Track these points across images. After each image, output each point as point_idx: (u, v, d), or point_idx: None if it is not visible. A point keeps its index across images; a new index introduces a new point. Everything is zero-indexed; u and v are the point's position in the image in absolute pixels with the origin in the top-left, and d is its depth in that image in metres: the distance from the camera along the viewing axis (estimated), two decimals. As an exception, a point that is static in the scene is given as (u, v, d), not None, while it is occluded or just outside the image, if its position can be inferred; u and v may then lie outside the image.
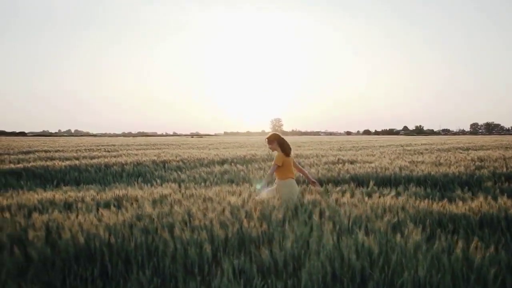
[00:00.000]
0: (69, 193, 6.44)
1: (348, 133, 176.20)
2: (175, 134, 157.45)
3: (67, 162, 11.53)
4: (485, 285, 3.06)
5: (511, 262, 3.34)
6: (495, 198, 5.50)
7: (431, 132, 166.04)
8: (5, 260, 3.42)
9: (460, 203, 5.30)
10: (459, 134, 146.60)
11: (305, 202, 5.34)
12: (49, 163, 11.26)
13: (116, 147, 20.88)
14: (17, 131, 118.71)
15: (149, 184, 8.23)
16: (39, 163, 11.35)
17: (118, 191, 6.39)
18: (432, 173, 8.42)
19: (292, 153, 5.88)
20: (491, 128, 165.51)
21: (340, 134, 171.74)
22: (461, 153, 14.65)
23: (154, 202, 5.51)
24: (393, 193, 6.53)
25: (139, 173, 10.22)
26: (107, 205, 5.53)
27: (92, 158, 13.42)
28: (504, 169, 8.84)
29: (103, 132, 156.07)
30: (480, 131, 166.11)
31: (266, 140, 5.75)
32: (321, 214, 4.61)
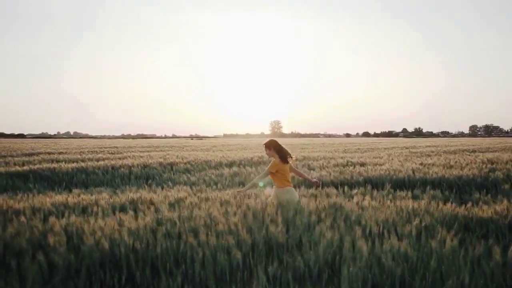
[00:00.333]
0: (82, 196, 6.31)
1: (347, 135, 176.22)
2: (174, 136, 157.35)
3: (73, 164, 11.39)
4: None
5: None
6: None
7: (430, 134, 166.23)
8: (28, 267, 3.29)
9: (485, 206, 5.19)
10: (458, 136, 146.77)
11: (325, 206, 5.23)
12: (55, 165, 11.12)
13: (119, 149, 20.73)
14: (16, 133, 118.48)
15: (159, 187, 8.12)
16: (45, 165, 11.20)
17: (132, 194, 6.27)
18: (446, 175, 8.31)
19: (293, 158, 5.73)
20: (490, 130, 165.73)
21: (339, 136, 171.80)
22: (469, 155, 14.55)
23: (170, 206, 5.40)
24: (409, 195, 6.45)
25: (147, 176, 10.09)
26: (122, 209, 5.41)
27: (97, 160, 13.28)
28: (519, 172, 8.73)
29: (102, 134, 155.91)
30: (479, 133, 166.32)
31: (264, 146, 5.60)
32: (346, 218, 4.50)
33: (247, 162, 11.98)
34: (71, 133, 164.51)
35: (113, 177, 9.94)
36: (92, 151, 18.72)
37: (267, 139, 5.68)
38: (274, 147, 5.53)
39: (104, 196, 6.20)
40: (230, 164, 11.79)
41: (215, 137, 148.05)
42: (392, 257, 3.24)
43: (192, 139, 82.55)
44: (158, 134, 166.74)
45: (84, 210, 5.40)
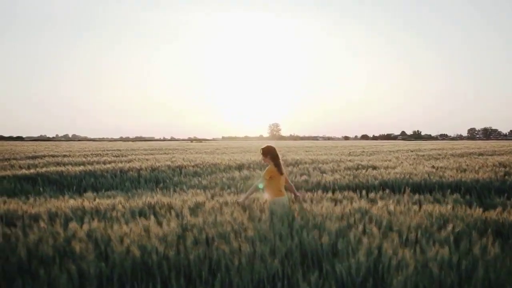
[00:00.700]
0: (97, 201, 6.15)
1: (346, 138, 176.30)
2: (172, 139, 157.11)
3: (80, 168, 11.24)
4: None
5: None
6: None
7: (429, 137, 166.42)
8: (57, 276, 3.15)
9: (515, 211, 5.07)
10: (456, 139, 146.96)
11: (350, 211, 5.10)
12: (62, 168, 10.96)
13: (122, 152, 20.56)
14: (15, 135, 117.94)
15: (172, 191, 7.98)
16: (52, 168, 11.05)
17: (149, 198, 6.12)
18: (463, 179, 8.19)
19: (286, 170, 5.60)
20: (489, 133, 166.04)
21: (338, 139, 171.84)
22: (477, 158, 14.45)
23: (191, 210, 5.26)
24: (430, 199, 6.34)
25: (157, 179, 9.95)
26: (141, 214, 5.28)
27: (103, 163, 13.12)
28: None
29: (101, 137, 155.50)
30: (478, 136, 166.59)
31: (261, 150, 5.40)
32: (376, 224, 4.38)
33: (256, 165, 11.84)
34: (70, 135, 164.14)
35: (122, 180, 9.79)
36: (95, 154, 18.55)
37: (266, 145, 5.49)
38: (271, 155, 5.31)
39: (120, 200, 6.05)
40: (239, 167, 11.65)
41: (213, 139, 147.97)
42: (440, 265, 3.11)
43: (191, 142, 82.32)
44: (156, 137, 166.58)
45: (102, 215, 5.25)
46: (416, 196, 6.51)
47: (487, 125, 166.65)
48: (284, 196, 5.33)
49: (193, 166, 11.66)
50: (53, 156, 17.13)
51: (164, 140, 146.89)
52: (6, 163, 13.41)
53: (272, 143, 5.69)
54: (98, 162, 13.26)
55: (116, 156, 16.70)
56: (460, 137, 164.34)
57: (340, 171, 10.29)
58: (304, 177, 8.99)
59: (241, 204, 5.41)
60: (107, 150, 23.20)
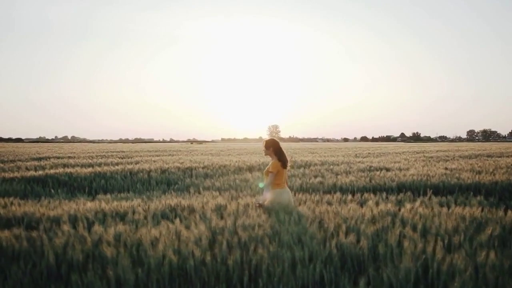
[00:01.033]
0: (115, 203, 6.01)
1: (345, 140, 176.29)
2: (172, 141, 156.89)
3: (89, 169, 11.09)
4: None
5: None
6: None
7: (428, 139, 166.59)
8: (92, 282, 3.01)
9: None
10: (456, 141, 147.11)
11: (379, 214, 4.97)
12: (71, 170, 10.81)
13: (127, 154, 20.40)
14: (14, 137, 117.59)
15: (187, 192, 7.86)
16: (61, 170, 10.90)
17: (168, 200, 5.99)
18: (481, 181, 8.08)
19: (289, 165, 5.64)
20: (488, 135, 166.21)
21: (337, 140, 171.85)
22: (487, 160, 14.35)
23: (214, 213, 5.12)
24: (450, 201, 6.22)
25: (168, 181, 9.80)
26: (164, 216, 5.14)
27: (111, 165, 12.97)
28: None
29: (100, 139, 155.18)
30: (477, 138, 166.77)
31: (264, 142, 5.46)
32: (412, 227, 4.25)
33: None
34: (69, 137, 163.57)
35: (132, 182, 9.65)
36: (100, 156, 18.40)
37: (269, 138, 5.52)
38: (274, 147, 5.37)
39: (138, 203, 5.91)
40: (249, 169, 11.52)
41: (213, 141, 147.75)
42: (492, 271, 2.98)
43: (191, 144, 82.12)
44: (155, 139, 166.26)
45: (123, 218, 5.11)
46: (439, 199, 6.39)
47: (486, 127, 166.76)
48: (287, 188, 5.48)
49: (202, 168, 11.52)
50: (58, 157, 16.96)
51: (164, 142, 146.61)
52: (12, 164, 13.25)
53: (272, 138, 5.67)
54: (106, 164, 13.11)
55: (122, 158, 16.54)
56: (459, 139, 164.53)
57: (353, 172, 10.17)
58: (318, 179, 8.86)
59: (261, 205, 5.31)
60: (110, 151, 23.04)
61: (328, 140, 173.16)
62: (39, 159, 16.30)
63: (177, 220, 4.54)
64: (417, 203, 5.57)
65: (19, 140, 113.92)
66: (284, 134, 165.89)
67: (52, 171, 10.64)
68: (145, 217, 4.91)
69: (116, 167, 11.63)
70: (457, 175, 8.92)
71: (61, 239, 3.90)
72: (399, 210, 5.17)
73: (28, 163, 13.68)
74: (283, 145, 5.76)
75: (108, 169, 10.90)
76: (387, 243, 3.66)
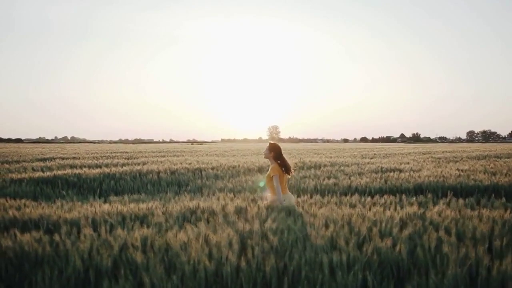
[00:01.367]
0: (131, 205, 5.88)
1: (345, 141, 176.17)
2: (171, 141, 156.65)
3: (97, 170, 10.96)
4: None
5: None
6: None
7: (428, 140, 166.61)
8: (126, 291, 2.87)
9: None
10: (456, 142, 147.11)
11: (404, 216, 4.84)
12: (79, 171, 10.67)
13: (130, 154, 20.26)
14: (13, 138, 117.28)
15: (198, 193, 7.74)
16: (69, 171, 10.75)
17: (187, 202, 5.86)
18: (500, 183, 7.95)
19: (292, 173, 5.68)
20: (488, 136, 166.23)
21: (337, 141, 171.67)
22: (497, 161, 14.23)
23: (236, 216, 4.99)
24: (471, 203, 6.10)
25: (179, 182, 9.67)
26: (185, 219, 5.00)
27: (119, 165, 12.84)
28: None
29: (100, 139, 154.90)
30: (477, 139, 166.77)
31: (268, 144, 5.49)
32: (446, 231, 4.12)
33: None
34: (69, 138, 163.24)
35: (142, 183, 9.51)
36: (105, 156, 18.25)
37: (273, 142, 5.53)
38: (275, 152, 5.38)
39: (156, 205, 5.78)
40: (259, 170, 11.39)
41: (212, 142, 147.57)
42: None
43: (192, 144, 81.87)
44: (156, 139, 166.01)
45: (142, 220, 4.98)
46: (461, 201, 6.27)
47: (486, 128, 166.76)
48: (289, 193, 5.50)
49: (211, 169, 11.39)
50: (62, 158, 16.82)
51: (164, 142, 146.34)
52: (18, 165, 13.11)
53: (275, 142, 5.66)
54: (113, 165, 12.97)
55: (128, 159, 16.40)
56: (459, 140, 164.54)
57: (365, 174, 10.04)
58: (332, 180, 8.74)
59: (280, 204, 5.29)
60: (114, 152, 22.88)
61: (328, 141, 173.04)
62: (44, 159, 16.15)
63: (201, 224, 4.42)
64: (443, 206, 5.45)
65: (19, 140, 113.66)
66: (284, 134, 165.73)
67: (60, 172, 10.50)
68: (167, 220, 4.78)
69: (124, 168, 11.49)
70: (472, 176, 8.80)
71: (85, 243, 3.76)
72: (424, 212, 5.05)
73: (34, 164, 13.54)
74: (284, 146, 5.74)
75: (116, 170, 10.77)
76: (424, 248, 3.54)
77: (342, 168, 11.38)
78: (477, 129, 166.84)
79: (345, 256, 3.31)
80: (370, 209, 5.31)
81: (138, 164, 13.29)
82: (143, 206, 5.73)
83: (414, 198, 6.55)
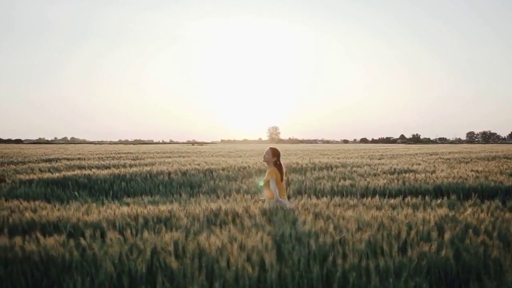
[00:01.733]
0: (150, 207, 5.71)
1: (345, 142, 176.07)
2: (171, 142, 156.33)
3: (106, 171, 10.79)
4: None
5: None
6: None
7: (428, 141, 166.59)
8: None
9: None
10: (455, 143, 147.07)
11: (437, 219, 4.68)
12: (89, 172, 10.50)
13: (136, 155, 20.08)
14: (13, 138, 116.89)
15: (213, 195, 7.58)
16: (78, 171, 10.58)
17: (207, 204, 5.69)
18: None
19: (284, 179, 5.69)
20: (488, 137, 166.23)
21: (337, 142, 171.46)
22: (508, 162, 14.09)
23: (265, 218, 4.82)
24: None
25: (190, 183, 9.51)
26: (210, 221, 4.84)
27: (128, 166, 12.67)
28: None
29: (100, 140, 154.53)
30: (477, 140, 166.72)
31: (271, 150, 5.49)
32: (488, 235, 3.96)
33: (291, 169, 11.41)
34: (68, 138, 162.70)
35: (154, 184, 9.35)
36: (110, 157, 18.08)
37: (273, 146, 5.56)
38: (278, 157, 5.44)
39: (176, 207, 5.61)
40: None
41: (212, 142, 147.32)
42: None
43: (193, 145, 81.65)
44: (155, 140, 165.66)
45: (165, 223, 4.81)
46: (487, 203, 6.12)
47: (486, 129, 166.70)
48: (286, 198, 5.49)
49: (222, 170, 11.22)
50: (68, 159, 16.65)
51: (164, 143, 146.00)
52: (24, 166, 12.93)
53: (276, 147, 5.62)
54: (123, 166, 12.80)
55: (134, 159, 16.23)
56: (459, 141, 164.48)
57: (380, 175, 9.89)
58: (348, 182, 8.58)
59: (279, 205, 5.21)
60: (118, 153, 22.70)
61: (328, 142, 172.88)
62: (49, 160, 15.98)
63: (231, 227, 4.26)
64: (475, 208, 5.29)
65: (19, 141, 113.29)
66: (283, 135, 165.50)
67: (69, 173, 10.33)
68: (192, 223, 4.61)
69: (133, 169, 11.33)
70: (490, 177, 8.64)
71: (113, 247, 3.60)
72: (455, 215, 4.89)
73: (40, 165, 13.36)
74: (286, 146, 5.67)
75: (126, 171, 10.60)
76: (470, 252, 3.38)
77: (354, 169, 11.22)
78: (477, 130, 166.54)
79: (391, 262, 3.16)
80: (399, 211, 5.15)
81: (146, 165, 13.12)
82: (163, 208, 5.56)
83: (439, 200, 6.38)
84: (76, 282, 3.10)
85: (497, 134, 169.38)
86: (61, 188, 8.75)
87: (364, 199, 6.53)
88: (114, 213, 5.26)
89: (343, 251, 3.41)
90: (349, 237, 3.77)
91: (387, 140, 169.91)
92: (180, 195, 7.77)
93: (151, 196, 8.04)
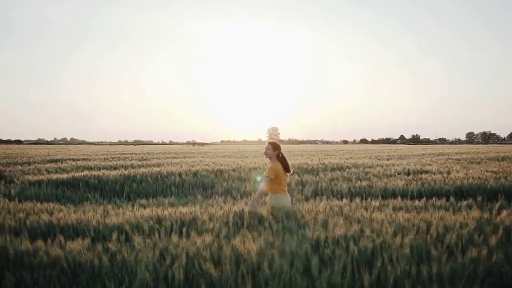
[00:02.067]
0: (170, 209, 5.53)
1: (345, 142, 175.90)
2: (171, 143, 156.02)
3: (115, 172, 10.60)
4: None
5: None
6: None
7: (428, 141, 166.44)
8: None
9: None
10: (455, 143, 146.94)
11: (479, 222, 4.51)
12: (98, 172, 10.32)
13: (140, 156, 19.89)
14: (13, 139, 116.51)
15: (228, 196, 7.41)
16: (87, 172, 10.39)
17: (229, 206, 5.51)
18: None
19: (291, 172, 5.53)
20: (487, 137, 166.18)
21: (337, 143, 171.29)
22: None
23: (293, 221, 4.65)
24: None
25: (202, 184, 9.32)
26: (236, 225, 4.66)
27: (137, 167, 12.48)
28: None
29: (99, 140, 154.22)
30: (476, 140, 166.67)
31: (270, 144, 5.31)
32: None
33: (301, 170, 11.23)
34: (68, 139, 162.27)
35: (166, 185, 9.16)
36: (115, 158, 17.89)
37: (272, 140, 5.39)
38: (278, 150, 5.28)
39: (198, 209, 5.43)
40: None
41: (212, 143, 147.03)
42: None
43: (193, 146, 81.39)
44: (155, 141, 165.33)
45: (189, 226, 4.63)
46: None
47: (486, 129, 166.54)
48: (286, 193, 5.32)
49: (233, 171, 11.04)
50: (73, 159, 16.45)
51: (163, 144, 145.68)
52: (30, 167, 12.73)
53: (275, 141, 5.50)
54: (131, 166, 12.61)
55: (140, 160, 16.03)
56: (458, 141, 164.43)
57: (395, 176, 9.71)
58: (365, 183, 8.41)
59: (252, 211, 4.97)
60: (122, 153, 22.52)
61: (328, 142, 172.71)
62: (54, 161, 15.79)
63: (261, 230, 4.09)
64: (509, 210, 5.12)
65: (18, 141, 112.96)
66: (283, 136, 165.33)
67: (78, 174, 10.15)
68: (220, 227, 4.43)
69: (143, 169, 11.14)
70: (509, 178, 8.48)
71: (144, 252, 3.42)
72: (491, 217, 4.72)
73: (46, 165, 13.17)
74: (289, 147, 5.50)
75: (136, 172, 10.41)
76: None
77: (367, 170, 11.05)
78: (476, 131, 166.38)
79: (444, 268, 2.98)
80: (432, 213, 4.98)
81: (153, 165, 12.94)
82: (184, 210, 5.39)
83: (465, 202, 6.21)
84: (108, 289, 2.92)
85: (497, 134, 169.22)
86: (72, 189, 8.56)
87: (386, 201, 6.36)
88: (134, 215, 5.09)
89: (389, 256, 3.24)
90: (390, 241, 3.60)
91: (387, 141, 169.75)
92: (195, 197, 7.59)
93: (165, 198, 7.86)
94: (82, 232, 4.61)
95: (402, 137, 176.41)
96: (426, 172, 10.39)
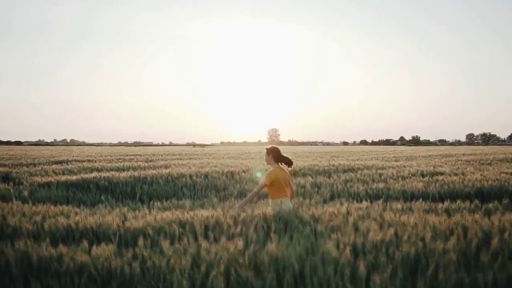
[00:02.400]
0: (191, 213, 5.36)
1: (345, 143, 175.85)
2: (171, 144, 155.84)
3: (125, 173, 10.43)
4: None
5: None
6: None
7: (428, 143, 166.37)
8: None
9: None
10: (455, 145, 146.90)
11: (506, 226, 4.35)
12: (108, 174, 10.15)
13: (145, 157, 19.72)
14: (12, 140, 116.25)
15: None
16: (96, 174, 10.23)
17: (254, 209, 5.34)
18: None
19: (290, 169, 5.53)
20: (487, 139, 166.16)
21: (337, 144, 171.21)
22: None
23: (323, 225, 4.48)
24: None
25: (215, 186, 9.16)
26: (263, 228, 4.49)
27: (145, 168, 12.32)
28: None
29: (99, 142, 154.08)
30: (476, 141, 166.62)
31: (266, 149, 5.40)
32: None
33: (312, 172, 11.07)
34: (68, 140, 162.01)
35: (177, 187, 9.00)
36: (121, 159, 17.72)
37: (268, 147, 5.42)
38: (273, 154, 5.28)
39: (219, 212, 5.26)
40: (294, 174, 10.88)
41: (212, 144, 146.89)
42: None
43: (194, 147, 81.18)
44: (155, 142, 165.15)
45: (213, 230, 4.46)
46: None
47: (486, 131, 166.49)
48: (287, 197, 5.25)
49: (244, 172, 10.88)
50: (78, 161, 16.28)
51: (163, 145, 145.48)
52: (37, 168, 12.56)
53: (273, 146, 5.46)
54: (140, 168, 12.45)
55: (147, 161, 15.86)
56: (458, 143, 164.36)
57: (410, 177, 9.56)
58: (381, 185, 8.25)
59: (233, 212, 4.95)
60: (127, 154, 22.35)
61: (328, 144, 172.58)
62: (60, 162, 15.62)
63: (293, 235, 3.93)
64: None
65: (18, 143, 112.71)
66: (283, 137, 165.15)
67: (87, 175, 9.98)
68: (247, 230, 4.26)
69: (152, 171, 10.98)
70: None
71: (175, 258, 3.26)
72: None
73: (53, 167, 13.00)
74: (289, 149, 5.38)
75: (145, 173, 10.25)
76: None
77: (379, 171, 10.89)
78: (476, 132, 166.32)
79: (500, 276, 2.82)
80: (464, 217, 4.81)
81: (161, 167, 12.78)
82: (206, 213, 5.21)
83: (491, 204, 6.05)
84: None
85: (497, 136, 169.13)
86: (82, 191, 8.39)
87: (407, 203, 6.21)
88: (155, 219, 4.92)
89: (436, 264, 3.07)
90: (432, 246, 3.44)
91: (387, 142, 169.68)
92: (210, 199, 7.44)
93: (178, 200, 7.70)
94: (103, 236, 4.45)
95: (402, 138, 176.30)
96: (441, 174, 10.23)
